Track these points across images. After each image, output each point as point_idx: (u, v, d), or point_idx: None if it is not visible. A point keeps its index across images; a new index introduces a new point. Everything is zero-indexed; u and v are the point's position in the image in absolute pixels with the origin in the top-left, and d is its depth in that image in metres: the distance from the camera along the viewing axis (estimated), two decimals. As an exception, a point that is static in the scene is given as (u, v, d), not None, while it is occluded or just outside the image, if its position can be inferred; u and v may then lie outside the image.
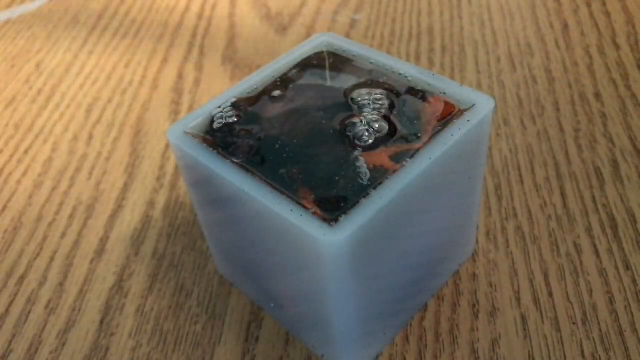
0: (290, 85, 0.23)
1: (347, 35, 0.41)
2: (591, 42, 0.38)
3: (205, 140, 0.21)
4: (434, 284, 0.25)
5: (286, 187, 0.19)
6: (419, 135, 0.20)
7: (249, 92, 0.23)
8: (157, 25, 0.44)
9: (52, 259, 0.28)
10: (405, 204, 0.19)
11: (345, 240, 0.17)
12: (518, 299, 0.25)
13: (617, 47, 0.37)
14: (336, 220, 0.18)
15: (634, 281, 0.25)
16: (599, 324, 0.24)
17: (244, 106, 0.22)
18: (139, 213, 0.30)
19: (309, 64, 0.24)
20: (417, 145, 0.20)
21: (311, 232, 0.17)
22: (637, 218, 0.27)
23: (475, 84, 0.35)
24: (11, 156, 0.34)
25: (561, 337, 0.23)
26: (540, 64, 0.36)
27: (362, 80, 0.23)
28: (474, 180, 0.23)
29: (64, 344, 0.25)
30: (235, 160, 0.20)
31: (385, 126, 0.21)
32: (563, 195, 0.29)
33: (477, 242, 0.27)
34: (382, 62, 0.24)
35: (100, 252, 0.28)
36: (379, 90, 0.22)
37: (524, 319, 0.24)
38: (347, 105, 0.22)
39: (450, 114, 0.21)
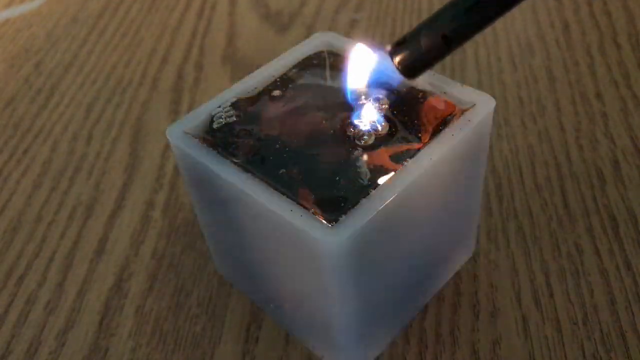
0: (290, 85, 0.23)
1: (347, 35, 0.41)
2: (592, 42, 0.38)
3: (205, 140, 0.21)
4: (434, 285, 0.25)
5: (286, 187, 0.19)
6: (419, 135, 0.20)
7: (248, 92, 0.23)
8: (157, 25, 0.44)
9: (51, 259, 0.28)
10: (406, 204, 0.19)
11: (345, 241, 0.17)
12: (519, 300, 0.24)
13: (618, 46, 0.37)
14: (336, 220, 0.18)
15: (635, 281, 0.25)
16: (600, 324, 0.23)
17: (244, 106, 0.22)
18: (139, 213, 0.30)
19: (309, 64, 0.24)
20: (417, 145, 0.20)
21: (311, 233, 0.17)
22: (638, 218, 0.27)
23: (476, 84, 0.35)
24: (10, 156, 0.34)
25: (562, 338, 0.23)
26: (541, 64, 0.36)
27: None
28: (475, 180, 0.23)
29: (63, 345, 0.25)
30: (235, 160, 0.20)
31: (386, 126, 0.21)
32: (564, 195, 0.28)
33: (478, 242, 0.27)
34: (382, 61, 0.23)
35: (99, 252, 0.28)
36: (379, 90, 0.22)
37: (524, 319, 0.24)
38: (347, 105, 0.22)
39: (450, 113, 0.21)
